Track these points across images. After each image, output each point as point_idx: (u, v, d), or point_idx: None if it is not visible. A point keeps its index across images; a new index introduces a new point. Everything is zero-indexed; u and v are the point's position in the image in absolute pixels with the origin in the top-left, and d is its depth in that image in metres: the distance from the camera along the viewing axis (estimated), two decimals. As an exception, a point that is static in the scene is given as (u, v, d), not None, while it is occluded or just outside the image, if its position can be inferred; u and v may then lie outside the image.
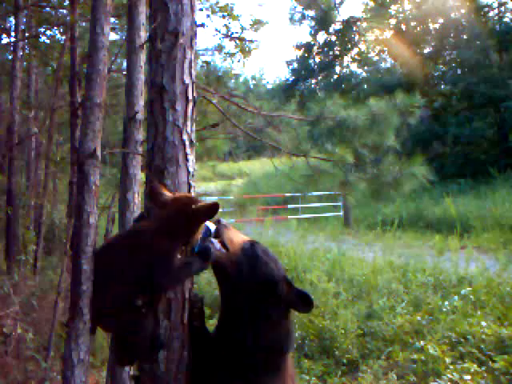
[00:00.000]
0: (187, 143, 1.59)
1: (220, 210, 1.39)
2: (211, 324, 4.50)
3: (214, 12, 7.21)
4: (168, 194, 1.43)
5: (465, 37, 19.77)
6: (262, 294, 1.43)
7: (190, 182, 1.59)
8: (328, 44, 24.96)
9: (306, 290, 1.47)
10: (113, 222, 6.24)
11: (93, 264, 1.37)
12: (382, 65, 25.78)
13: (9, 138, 5.88)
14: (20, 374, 3.51)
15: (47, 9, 6.11)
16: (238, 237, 1.52)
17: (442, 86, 20.74)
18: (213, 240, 1.46)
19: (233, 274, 1.45)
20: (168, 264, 1.34)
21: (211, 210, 1.39)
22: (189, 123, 1.61)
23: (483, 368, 3.45)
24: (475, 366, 3.43)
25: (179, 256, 1.39)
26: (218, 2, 7.26)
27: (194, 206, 1.38)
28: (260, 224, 12.02)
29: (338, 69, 26.54)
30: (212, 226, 1.49)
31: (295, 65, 27.19)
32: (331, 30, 24.17)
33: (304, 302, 1.44)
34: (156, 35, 1.60)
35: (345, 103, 4.42)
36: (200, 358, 1.52)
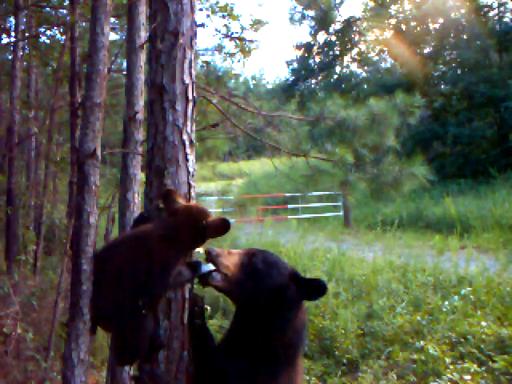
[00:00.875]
0: (187, 143, 1.59)
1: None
2: (211, 324, 4.51)
3: (214, 12, 7.21)
4: (181, 202, 1.42)
5: (465, 37, 19.76)
6: (272, 302, 1.45)
7: (190, 182, 1.59)
8: (328, 44, 24.97)
9: (315, 279, 1.48)
10: (113, 222, 6.24)
11: (93, 264, 1.37)
12: (382, 65, 25.82)
13: (9, 138, 5.88)
14: (20, 374, 3.51)
15: (47, 9, 6.11)
16: (233, 258, 1.50)
17: (442, 86, 20.72)
18: (213, 274, 1.44)
19: (238, 295, 1.47)
20: (166, 274, 1.34)
21: (221, 228, 1.39)
22: (189, 123, 1.60)
23: (483, 368, 3.45)
24: (475, 366, 3.43)
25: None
26: (218, 2, 7.26)
27: (204, 222, 1.38)
28: (260, 224, 12.02)
29: (338, 69, 26.58)
30: (206, 267, 1.44)
31: (295, 65, 27.21)
32: (331, 30, 24.19)
33: (316, 291, 1.46)
34: (156, 35, 1.60)
35: (345, 103, 4.43)
36: (202, 356, 1.52)
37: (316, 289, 1.46)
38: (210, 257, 1.45)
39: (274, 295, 1.45)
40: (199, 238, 1.40)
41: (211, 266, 1.43)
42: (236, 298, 1.51)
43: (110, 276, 1.36)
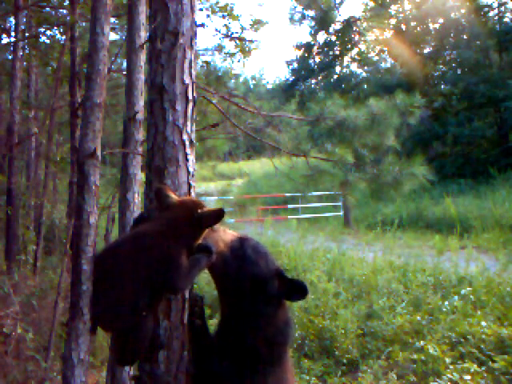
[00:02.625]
0: (187, 143, 1.58)
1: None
2: (211, 324, 4.51)
3: (214, 12, 7.22)
4: (173, 197, 1.42)
5: (465, 37, 19.77)
6: (253, 291, 1.45)
7: (190, 182, 1.59)
8: (328, 44, 24.98)
9: (298, 280, 1.48)
10: (113, 222, 6.25)
11: (93, 265, 1.37)
12: (382, 65, 25.83)
13: (9, 138, 5.88)
14: (20, 374, 3.51)
15: (47, 9, 6.11)
16: (226, 236, 1.51)
17: (442, 86, 20.74)
18: None
19: (221, 275, 1.48)
20: (178, 266, 1.33)
21: (215, 218, 1.37)
22: (189, 123, 1.60)
23: (483, 368, 3.45)
24: (475, 366, 3.43)
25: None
26: (218, 2, 7.27)
27: (199, 211, 1.37)
28: (260, 224, 12.02)
29: (338, 69, 26.59)
30: None
31: (295, 65, 27.24)
32: (331, 30, 24.21)
33: (298, 292, 1.46)
34: (156, 35, 1.60)
35: (345, 103, 4.44)
36: (202, 356, 1.52)
37: (298, 290, 1.46)
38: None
39: (256, 284, 1.44)
40: (195, 230, 1.38)
41: None
42: (218, 279, 1.50)
43: (111, 276, 1.36)
